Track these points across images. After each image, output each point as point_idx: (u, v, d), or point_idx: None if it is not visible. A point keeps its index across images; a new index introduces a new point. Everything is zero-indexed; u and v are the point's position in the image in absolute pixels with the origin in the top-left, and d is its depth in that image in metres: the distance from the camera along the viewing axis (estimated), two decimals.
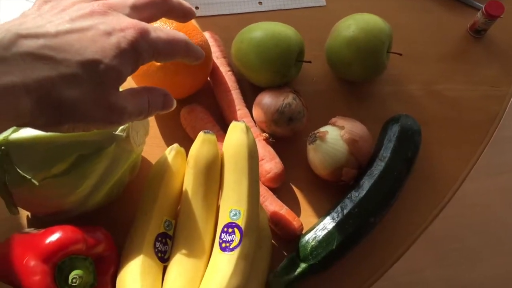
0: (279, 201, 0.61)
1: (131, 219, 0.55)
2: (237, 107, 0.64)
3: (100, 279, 0.51)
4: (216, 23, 0.73)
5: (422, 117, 0.66)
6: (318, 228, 0.58)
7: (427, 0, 0.78)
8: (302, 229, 0.60)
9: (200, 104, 0.65)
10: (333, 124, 0.62)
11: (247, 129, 0.54)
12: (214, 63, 0.66)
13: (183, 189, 0.55)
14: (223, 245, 0.51)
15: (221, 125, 0.64)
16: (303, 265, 0.57)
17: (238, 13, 0.74)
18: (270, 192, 0.61)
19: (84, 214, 0.54)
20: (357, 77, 0.67)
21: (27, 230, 0.54)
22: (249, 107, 0.66)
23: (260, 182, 0.61)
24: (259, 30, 0.63)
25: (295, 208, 0.62)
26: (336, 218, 0.58)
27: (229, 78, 0.66)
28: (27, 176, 0.48)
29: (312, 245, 0.57)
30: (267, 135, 0.63)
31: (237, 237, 0.51)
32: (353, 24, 0.64)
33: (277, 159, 0.62)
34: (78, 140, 0.48)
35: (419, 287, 1.46)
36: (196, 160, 0.54)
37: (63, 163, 0.48)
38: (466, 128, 0.69)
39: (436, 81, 0.72)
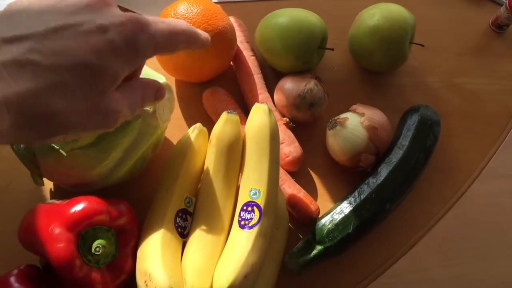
0: (297, 184, 0.62)
1: (151, 196, 0.56)
2: (259, 91, 0.65)
3: (122, 251, 0.52)
4: (241, 9, 0.74)
5: (441, 109, 0.67)
6: (335, 212, 0.59)
7: None
8: (318, 212, 0.60)
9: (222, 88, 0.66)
10: (354, 111, 0.63)
11: (270, 111, 0.55)
12: (237, 48, 0.67)
13: (205, 167, 0.56)
14: (242, 222, 0.52)
15: (242, 109, 0.65)
16: (318, 247, 0.57)
17: (263, 0, 0.75)
18: (289, 176, 0.62)
19: (107, 188, 0.55)
20: (379, 66, 0.67)
21: (51, 201, 0.55)
22: (271, 93, 0.67)
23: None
24: (284, 16, 0.64)
25: (312, 193, 0.63)
26: (353, 203, 0.59)
27: (252, 63, 0.67)
28: (55, 146, 0.49)
29: (328, 228, 0.58)
30: (287, 119, 0.64)
31: (256, 215, 0.52)
32: (378, 13, 0.64)
33: (297, 143, 0.63)
34: None
35: (427, 285, 1.46)
36: (218, 139, 0.55)
37: (91, 136, 0.49)
38: (484, 121, 0.69)
39: (456, 74, 0.72)
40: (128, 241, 0.53)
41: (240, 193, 0.54)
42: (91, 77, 0.31)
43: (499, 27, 0.75)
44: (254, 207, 0.53)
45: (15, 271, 0.50)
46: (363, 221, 0.58)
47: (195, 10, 0.60)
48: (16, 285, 0.49)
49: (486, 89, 0.71)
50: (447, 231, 1.51)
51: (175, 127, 0.66)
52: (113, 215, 0.51)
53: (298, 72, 0.65)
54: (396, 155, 0.61)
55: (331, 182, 0.64)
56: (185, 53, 0.60)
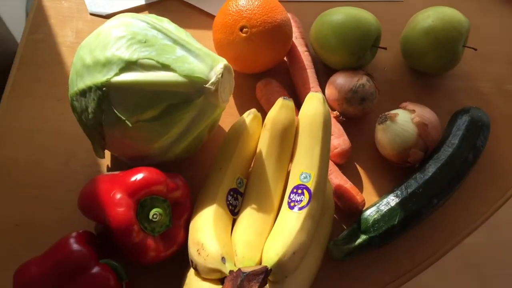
0: (344, 176, 0.63)
1: (205, 176, 0.59)
2: (311, 85, 0.67)
3: (175, 222, 0.55)
4: (299, 7, 0.77)
5: (490, 114, 0.67)
6: (382, 203, 0.60)
7: (504, 4, 0.80)
8: (364, 204, 0.61)
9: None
10: (404, 108, 0.64)
11: (324, 100, 0.57)
12: (292, 43, 0.70)
13: (257, 150, 0.58)
14: (292, 204, 0.54)
15: (294, 101, 0.67)
16: (363, 237, 0.58)
17: (320, 1, 0.78)
18: (336, 167, 0.64)
19: (164, 164, 0.58)
20: (431, 67, 0.69)
21: (111, 172, 0.58)
22: (322, 88, 0.68)
23: None
24: (340, 14, 0.66)
25: (358, 186, 0.64)
26: (400, 196, 0.60)
27: (305, 58, 0.69)
28: (122, 117, 0.52)
29: (374, 218, 0.59)
30: (337, 113, 0.66)
31: (306, 198, 0.54)
32: (433, 15, 0.66)
33: (345, 137, 0.64)
34: (170, 90, 0.52)
35: None
36: (273, 123, 0.57)
37: (155, 110, 0.52)
38: None
39: (507, 81, 0.73)
40: (181, 214, 0.55)
41: (291, 176, 0.56)
42: None
43: None
44: (304, 190, 0.54)
45: (74, 234, 0.53)
46: (409, 214, 0.59)
47: (256, 3, 0.63)
48: (75, 245, 0.52)
49: None
50: (482, 257, 1.47)
51: (228, 115, 0.68)
52: (170, 187, 0.54)
53: (351, 68, 0.67)
54: (445, 153, 0.62)
55: (377, 177, 0.65)
56: (245, 41, 0.63)
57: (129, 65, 0.52)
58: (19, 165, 0.64)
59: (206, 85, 0.52)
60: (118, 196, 0.51)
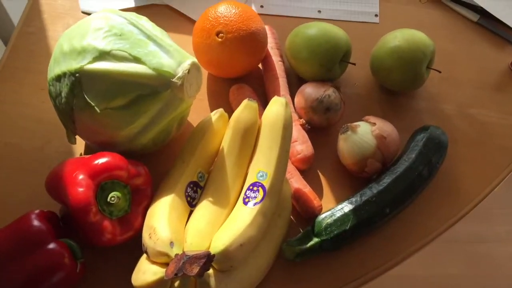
0: (304, 181, 0.66)
1: (168, 172, 0.61)
2: (282, 93, 0.70)
3: (134, 209, 0.57)
4: (276, 21, 0.81)
5: (452, 135, 0.70)
6: (336, 209, 0.62)
7: (475, 33, 0.83)
8: (321, 209, 0.64)
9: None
10: (366, 121, 0.67)
11: (286, 104, 0.60)
12: (267, 52, 0.73)
13: (220, 147, 0.61)
14: (247, 200, 0.57)
15: (264, 107, 0.70)
16: (315, 239, 0.61)
17: (297, 17, 0.82)
18: (297, 172, 0.66)
19: (131, 154, 0.60)
20: (396, 85, 0.72)
21: (79, 156, 0.61)
22: (292, 97, 0.72)
23: (290, 161, 0.67)
24: (313, 28, 0.70)
25: (318, 193, 0.66)
26: (354, 203, 0.62)
27: (279, 67, 0.72)
28: (91, 103, 0.55)
29: (327, 222, 0.61)
30: (304, 121, 0.69)
31: (260, 195, 0.57)
32: (400, 36, 0.69)
33: (309, 143, 0.67)
34: (139, 82, 0.55)
35: None
36: (236, 121, 0.60)
37: (123, 98, 0.56)
38: (492, 152, 0.72)
39: (471, 105, 0.76)
40: (141, 201, 0.58)
41: (249, 174, 0.59)
42: None
43: None
44: (260, 188, 0.57)
45: (37, 211, 0.56)
46: (361, 220, 0.61)
47: (233, 11, 0.67)
48: (35, 221, 0.54)
49: (498, 122, 0.74)
50: None
51: (201, 116, 0.71)
52: (131, 173, 0.56)
53: (320, 80, 0.70)
54: (401, 166, 0.64)
55: (337, 186, 0.68)
56: (219, 48, 0.67)
57: (103, 55, 0.55)
58: None
59: (173, 79, 0.56)
60: (80, 177, 0.54)
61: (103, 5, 0.80)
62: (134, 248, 0.56)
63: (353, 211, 0.61)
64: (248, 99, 0.61)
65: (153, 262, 0.53)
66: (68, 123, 0.60)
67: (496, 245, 1.52)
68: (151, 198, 0.59)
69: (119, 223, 0.56)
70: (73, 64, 0.55)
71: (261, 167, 0.58)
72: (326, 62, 0.68)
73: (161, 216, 0.55)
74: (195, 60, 0.58)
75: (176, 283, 0.51)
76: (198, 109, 0.71)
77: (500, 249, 1.52)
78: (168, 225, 0.53)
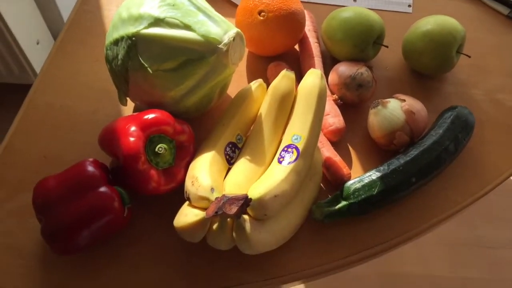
0: (334, 151, 0.70)
1: (208, 134, 0.67)
2: None
3: (177, 163, 0.62)
4: (314, 7, 0.86)
5: (479, 118, 0.73)
6: (364, 176, 0.66)
7: (505, 26, 0.87)
8: (349, 177, 0.68)
9: None
10: (396, 98, 0.71)
11: (321, 75, 0.65)
12: (305, 33, 0.78)
13: (258, 113, 0.66)
14: (281, 159, 0.61)
15: None
16: (344, 202, 0.64)
17: (334, 5, 0.87)
18: (329, 143, 0.71)
19: (176, 116, 0.66)
20: (427, 68, 0.76)
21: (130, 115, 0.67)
22: (326, 76, 0.76)
23: (322, 132, 0.71)
24: (349, 11, 0.75)
25: (347, 164, 0.70)
26: (382, 171, 0.66)
27: (315, 48, 0.77)
28: (145, 64, 0.61)
29: (355, 187, 0.65)
30: (336, 96, 0.73)
31: (294, 155, 0.61)
32: (432, 21, 0.74)
33: (341, 117, 0.72)
34: (188, 47, 0.61)
35: None
36: (274, 89, 0.65)
37: (174, 62, 0.61)
38: None
39: (499, 91, 0.79)
40: (184, 156, 0.63)
41: (284, 138, 0.64)
42: None
43: None
44: (294, 149, 0.62)
45: (91, 159, 0.61)
46: (388, 187, 0.65)
47: None
48: (89, 167, 0.60)
49: None
50: None
51: (240, 88, 0.76)
52: (177, 129, 0.62)
53: (354, 60, 0.75)
54: (428, 140, 0.68)
55: (365, 158, 0.72)
56: (260, 26, 0.72)
57: (157, 21, 0.61)
58: (55, 109, 0.74)
59: (219, 46, 0.61)
60: (132, 128, 0.60)
61: None
62: (176, 201, 0.61)
63: (380, 178, 0.65)
64: (286, 70, 0.66)
65: (195, 207, 0.58)
66: (122, 84, 0.66)
67: None
68: (193, 155, 0.64)
69: (164, 174, 0.61)
70: (131, 29, 0.61)
71: (296, 131, 0.63)
72: (360, 43, 0.73)
73: (202, 167, 0.60)
74: (239, 30, 0.63)
75: (215, 226, 0.56)
76: (238, 83, 0.77)
77: None
78: (209, 174, 0.58)
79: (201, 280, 0.61)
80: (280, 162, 0.61)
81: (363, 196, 0.64)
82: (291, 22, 0.73)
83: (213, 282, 0.61)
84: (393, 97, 0.72)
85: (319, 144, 0.70)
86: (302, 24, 0.75)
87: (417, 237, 0.67)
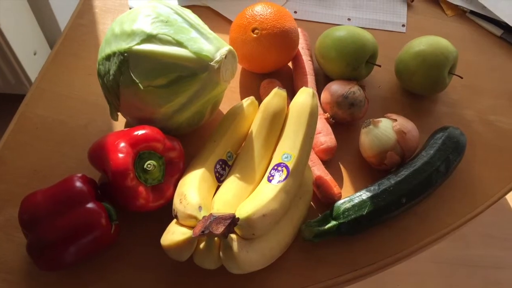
0: (325, 170, 0.70)
1: (199, 151, 0.66)
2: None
3: (166, 179, 0.62)
4: (308, 25, 0.87)
5: (471, 138, 0.73)
6: (355, 196, 0.66)
7: (498, 47, 0.87)
8: (340, 196, 0.67)
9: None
10: (388, 117, 0.71)
11: (313, 94, 0.65)
12: (298, 51, 0.79)
13: (250, 130, 0.66)
14: (271, 178, 0.61)
15: None
16: (333, 222, 0.64)
17: (328, 23, 0.87)
18: (320, 161, 0.71)
19: (166, 133, 0.66)
20: (419, 88, 0.76)
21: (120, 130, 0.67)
22: (319, 94, 0.76)
23: (313, 151, 0.71)
24: (343, 30, 0.75)
25: (338, 183, 0.70)
26: (372, 191, 0.66)
27: (308, 65, 0.78)
28: (136, 80, 0.61)
29: (345, 207, 0.65)
30: (328, 115, 0.73)
31: (284, 174, 0.61)
32: (424, 41, 0.74)
33: (332, 136, 0.71)
34: (180, 63, 0.61)
35: None
36: (266, 107, 0.65)
37: (165, 78, 0.61)
38: (509, 158, 0.75)
39: (491, 112, 0.79)
40: (173, 173, 0.63)
41: (274, 156, 0.64)
42: None
43: None
44: (284, 168, 0.61)
45: (79, 174, 0.61)
46: (378, 207, 0.64)
47: (269, 10, 0.73)
48: (77, 182, 0.60)
49: None
50: None
51: (233, 105, 0.77)
52: (167, 146, 0.62)
53: (346, 78, 0.75)
54: (419, 160, 0.68)
55: (356, 177, 0.72)
56: (253, 43, 0.72)
57: (150, 38, 0.61)
58: (47, 123, 0.74)
59: (211, 63, 0.61)
60: (121, 144, 0.59)
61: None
62: (164, 218, 0.61)
63: (370, 198, 0.65)
64: (278, 88, 0.66)
65: (182, 225, 0.57)
66: (113, 99, 0.66)
67: None
68: (183, 172, 0.63)
69: (152, 191, 0.61)
70: (123, 45, 0.61)
71: (286, 149, 0.63)
72: (352, 62, 0.73)
73: (191, 184, 0.59)
74: (232, 48, 0.64)
75: (202, 245, 0.56)
76: (231, 100, 0.77)
77: None
78: (198, 192, 0.58)
79: None
80: (269, 180, 0.61)
81: (353, 216, 0.64)
82: (284, 40, 0.73)
83: None
84: (384, 117, 0.72)
85: (310, 163, 0.70)
86: (295, 42, 0.75)
87: (407, 258, 0.67)
